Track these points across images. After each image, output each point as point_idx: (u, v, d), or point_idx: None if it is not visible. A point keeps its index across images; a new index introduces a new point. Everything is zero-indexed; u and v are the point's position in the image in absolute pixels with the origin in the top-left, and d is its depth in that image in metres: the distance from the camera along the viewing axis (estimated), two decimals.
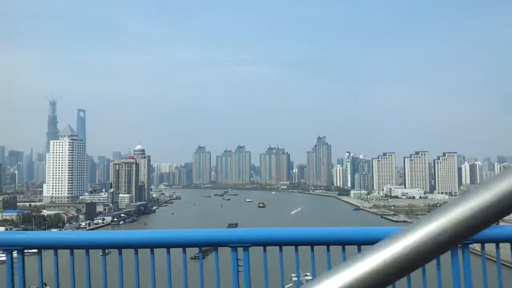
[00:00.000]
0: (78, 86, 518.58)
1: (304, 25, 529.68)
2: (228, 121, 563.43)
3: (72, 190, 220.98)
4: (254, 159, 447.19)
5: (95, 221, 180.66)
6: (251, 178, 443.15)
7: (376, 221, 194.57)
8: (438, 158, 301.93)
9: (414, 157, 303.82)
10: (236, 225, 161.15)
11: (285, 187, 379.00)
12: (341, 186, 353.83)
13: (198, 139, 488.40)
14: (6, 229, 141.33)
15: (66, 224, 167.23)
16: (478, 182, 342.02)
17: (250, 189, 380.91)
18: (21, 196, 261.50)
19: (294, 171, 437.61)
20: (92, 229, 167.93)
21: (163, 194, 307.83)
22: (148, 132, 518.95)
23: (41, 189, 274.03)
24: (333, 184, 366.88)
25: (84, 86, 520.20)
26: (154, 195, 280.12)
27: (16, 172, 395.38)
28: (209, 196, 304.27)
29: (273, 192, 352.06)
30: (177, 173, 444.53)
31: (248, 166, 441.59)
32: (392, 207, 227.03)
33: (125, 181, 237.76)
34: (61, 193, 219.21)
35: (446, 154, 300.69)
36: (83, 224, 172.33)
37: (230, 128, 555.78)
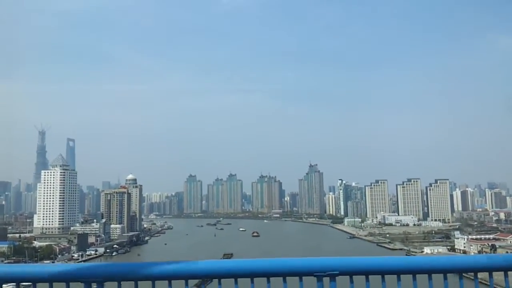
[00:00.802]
0: (66, 116, 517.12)
1: (294, 55, 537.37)
2: (219, 149, 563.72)
3: (63, 221, 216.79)
4: (245, 187, 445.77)
5: (88, 252, 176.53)
6: (243, 207, 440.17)
7: (373, 249, 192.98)
8: (430, 185, 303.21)
9: (406, 184, 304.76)
10: (231, 255, 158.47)
11: (278, 215, 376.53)
12: (334, 213, 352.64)
13: (189, 168, 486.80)
14: None
15: (59, 256, 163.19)
16: (470, 209, 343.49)
17: (242, 218, 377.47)
18: (10, 227, 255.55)
19: (286, 199, 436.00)
20: (85, 260, 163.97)
21: (155, 224, 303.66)
22: (137, 161, 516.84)
23: (30, 220, 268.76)
24: (326, 212, 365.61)
25: (72, 116, 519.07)
26: (145, 225, 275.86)
27: (3, 202, 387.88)
28: (202, 226, 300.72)
29: (265, 221, 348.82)
30: (167, 202, 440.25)
31: (239, 195, 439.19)
32: (387, 235, 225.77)
33: (116, 211, 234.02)
34: (52, 224, 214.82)
35: (438, 181, 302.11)
36: (75, 255, 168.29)
37: (221, 156, 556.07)
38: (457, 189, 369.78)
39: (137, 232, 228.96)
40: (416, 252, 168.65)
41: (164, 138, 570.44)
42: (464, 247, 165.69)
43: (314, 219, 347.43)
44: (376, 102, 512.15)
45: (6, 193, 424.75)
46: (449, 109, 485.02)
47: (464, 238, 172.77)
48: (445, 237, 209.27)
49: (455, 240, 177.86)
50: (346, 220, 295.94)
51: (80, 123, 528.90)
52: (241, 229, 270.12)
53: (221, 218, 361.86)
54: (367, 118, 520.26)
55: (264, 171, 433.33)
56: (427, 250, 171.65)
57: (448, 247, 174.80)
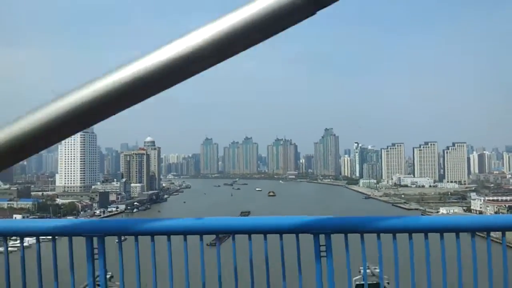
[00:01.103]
0: (83, 78, 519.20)
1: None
2: (235, 114, 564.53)
3: (84, 180, 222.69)
4: (261, 150, 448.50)
5: (109, 209, 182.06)
6: (258, 168, 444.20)
7: (388, 209, 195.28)
8: (448, 148, 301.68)
9: (423, 147, 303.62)
10: (248, 213, 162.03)
11: (293, 176, 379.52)
12: (349, 175, 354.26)
13: (206, 132, 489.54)
14: (23, 217, 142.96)
15: (81, 212, 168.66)
16: (487, 171, 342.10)
17: (257, 178, 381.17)
18: (32, 185, 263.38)
19: (301, 161, 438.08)
20: (106, 216, 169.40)
21: (173, 183, 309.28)
22: (155, 124, 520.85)
23: (52, 179, 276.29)
24: (341, 174, 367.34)
25: (92, 75, 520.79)
26: (164, 185, 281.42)
27: (25, 163, 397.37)
28: (219, 186, 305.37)
29: (281, 182, 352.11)
30: (185, 163, 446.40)
31: (255, 157, 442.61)
32: (402, 196, 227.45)
33: (136, 171, 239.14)
34: (74, 183, 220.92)
35: (456, 144, 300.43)
36: (97, 212, 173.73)
37: (236, 121, 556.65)
38: (474, 152, 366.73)
39: (156, 191, 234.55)
40: (431, 212, 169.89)
41: (180, 101, 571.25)
42: (480, 208, 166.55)
43: (329, 180, 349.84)
44: (398, 67, 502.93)
45: None
46: (470, 72, 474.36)
47: (480, 199, 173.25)
48: (461, 198, 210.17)
49: (471, 201, 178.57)
50: (361, 181, 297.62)
51: None
52: (257, 189, 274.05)
53: (237, 179, 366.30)
54: (389, 82, 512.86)
55: (279, 135, 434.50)
56: (442, 210, 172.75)
57: (464, 207, 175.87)
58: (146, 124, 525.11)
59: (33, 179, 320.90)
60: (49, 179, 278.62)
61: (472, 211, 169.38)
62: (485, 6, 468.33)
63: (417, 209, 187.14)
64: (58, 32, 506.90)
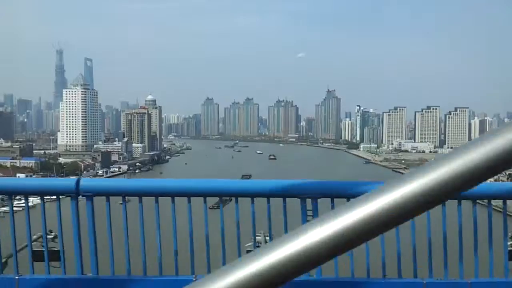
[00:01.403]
0: (82, 35, 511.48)
1: None
2: (235, 72, 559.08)
3: (86, 139, 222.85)
4: (262, 112, 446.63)
5: (111, 169, 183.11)
6: (259, 130, 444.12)
7: (388, 175, 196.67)
8: (450, 113, 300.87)
9: (425, 111, 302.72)
10: (250, 176, 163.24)
11: (294, 140, 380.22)
12: (350, 139, 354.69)
13: (206, 91, 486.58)
14: (26, 176, 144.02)
15: (84, 172, 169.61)
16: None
17: (258, 141, 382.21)
18: (33, 144, 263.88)
19: (302, 124, 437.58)
20: (109, 177, 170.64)
21: (174, 144, 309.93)
22: (155, 82, 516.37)
23: (53, 137, 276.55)
24: (341, 138, 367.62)
25: (88, 35, 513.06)
26: (165, 145, 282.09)
27: (25, 120, 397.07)
28: (220, 148, 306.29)
29: (281, 145, 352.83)
30: (185, 124, 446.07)
31: (256, 119, 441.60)
32: (403, 161, 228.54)
33: (137, 131, 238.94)
34: (75, 142, 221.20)
35: (458, 109, 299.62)
36: (100, 172, 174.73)
37: (237, 80, 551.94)
38: (476, 117, 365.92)
39: (158, 152, 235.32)
40: None
41: (180, 60, 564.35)
42: None
43: (329, 144, 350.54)
44: (401, 27, 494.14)
45: (28, 111, 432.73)
46: (475, 35, 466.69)
47: None
48: None
49: None
50: (361, 145, 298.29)
51: (96, 43, 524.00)
52: (258, 152, 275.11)
53: (237, 141, 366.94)
54: (392, 44, 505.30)
55: (281, 96, 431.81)
56: None
57: None
58: (146, 82, 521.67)
59: (34, 137, 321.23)
60: (51, 137, 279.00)
61: None
62: None
63: None
64: None
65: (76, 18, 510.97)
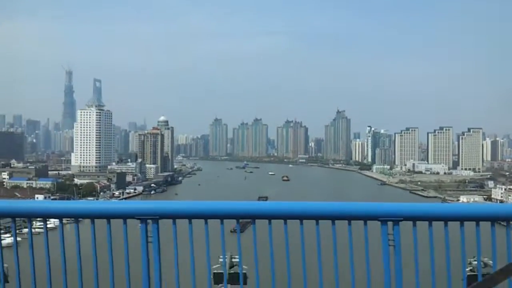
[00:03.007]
0: (91, 57, 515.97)
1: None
2: (244, 94, 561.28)
3: (99, 160, 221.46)
4: (270, 133, 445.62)
5: (127, 190, 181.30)
6: (267, 151, 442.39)
7: (406, 197, 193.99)
8: (463, 134, 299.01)
9: (438, 132, 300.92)
10: (266, 198, 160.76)
11: (304, 160, 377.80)
12: (360, 160, 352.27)
13: (215, 112, 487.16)
14: (45, 197, 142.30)
15: (101, 193, 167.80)
16: (499, 159, 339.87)
17: (267, 162, 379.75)
18: (37, 164, 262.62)
19: (310, 144, 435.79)
20: (125, 198, 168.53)
21: (184, 165, 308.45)
22: (163, 104, 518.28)
23: (63, 158, 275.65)
24: (351, 158, 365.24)
25: (97, 57, 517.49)
26: (175, 166, 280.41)
27: (34, 140, 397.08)
28: (231, 169, 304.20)
29: (290, 165, 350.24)
30: (194, 144, 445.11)
31: (264, 139, 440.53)
32: (419, 183, 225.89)
33: (150, 151, 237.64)
34: (89, 162, 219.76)
35: (471, 130, 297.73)
36: (116, 193, 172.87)
37: (246, 101, 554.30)
38: (487, 138, 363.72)
39: (171, 172, 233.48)
40: (452, 201, 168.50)
41: (189, 81, 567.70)
42: (501, 197, 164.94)
43: (340, 165, 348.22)
44: (410, 49, 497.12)
45: (36, 131, 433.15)
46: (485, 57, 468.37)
47: (501, 188, 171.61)
48: (479, 186, 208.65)
49: (492, 189, 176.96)
50: (374, 167, 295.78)
51: (104, 64, 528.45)
52: (270, 173, 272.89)
53: (246, 162, 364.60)
54: (401, 65, 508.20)
55: (290, 117, 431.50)
56: (463, 198, 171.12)
57: (484, 196, 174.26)
58: (154, 102, 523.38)
59: (44, 157, 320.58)
60: (61, 158, 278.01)
61: (493, 200, 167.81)
62: None
63: (435, 197, 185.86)
64: None
65: (83, 40, 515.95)
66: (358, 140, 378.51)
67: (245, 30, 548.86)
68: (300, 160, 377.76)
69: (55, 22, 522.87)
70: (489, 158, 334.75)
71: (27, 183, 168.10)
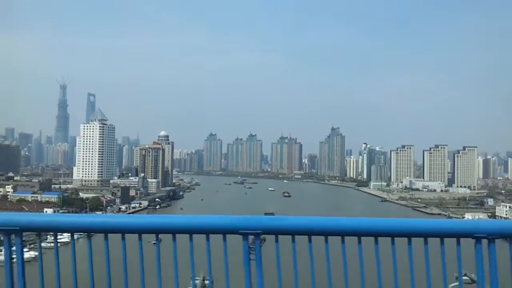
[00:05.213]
0: (84, 70, 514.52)
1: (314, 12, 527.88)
2: (238, 109, 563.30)
3: (102, 174, 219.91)
4: (265, 149, 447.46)
5: (132, 205, 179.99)
6: (261, 167, 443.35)
7: (411, 213, 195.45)
8: (458, 151, 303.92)
9: (433, 150, 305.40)
10: (272, 214, 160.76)
11: (299, 176, 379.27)
12: (355, 177, 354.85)
13: (209, 127, 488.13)
14: (54, 211, 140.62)
15: (108, 208, 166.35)
16: (491, 177, 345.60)
17: (262, 177, 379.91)
18: (39, 177, 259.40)
19: (304, 161, 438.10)
20: (131, 213, 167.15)
21: (182, 180, 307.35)
22: (157, 118, 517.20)
23: (61, 172, 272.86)
24: (346, 175, 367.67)
25: (90, 71, 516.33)
26: (174, 181, 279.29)
27: (27, 153, 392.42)
28: (230, 184, 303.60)
29: (285, 181, 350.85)
30: (188, 159, 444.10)
31: (259, 155, 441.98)
32: (419, 200, 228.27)
33: (151, 166, 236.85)
34: (91, 176, 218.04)
35: (467, 148, 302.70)
36: (123, 207, 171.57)
37: (241, 117, 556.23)
38: (479, 156, 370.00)
39: (174, 187, 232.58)
40: (458, 217, 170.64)
41: (184, 96, 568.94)
42: (506, 214, 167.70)
43: (336, 181, 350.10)
44: (405, 65, 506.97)
45: (29, 144, 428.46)
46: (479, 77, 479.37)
47: (506, 206, 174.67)
48: (479, 204, 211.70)
49: (496, 207, 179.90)
50: (371, 183, 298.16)
51: (99, 78, 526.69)
52: (270, 188, 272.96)
53: (243, 177, 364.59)
54: (396, 81, 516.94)
55: (284, 133, 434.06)
56: (468, 216, 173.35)
57: (488, 214, 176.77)
58: (148, 118, 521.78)
59: (38, 170, 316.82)
60: (59, 172, 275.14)
61: (497, 217, 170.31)
62: None
63: (439, 214, 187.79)
64: None
65: (79, 52, 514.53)
66: (352, 157, 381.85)
67: (240, 46, 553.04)
68: (296, 176, 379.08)
69: (51, 35, 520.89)
70: (481, 176, 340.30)
71: (31, 196, 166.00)
